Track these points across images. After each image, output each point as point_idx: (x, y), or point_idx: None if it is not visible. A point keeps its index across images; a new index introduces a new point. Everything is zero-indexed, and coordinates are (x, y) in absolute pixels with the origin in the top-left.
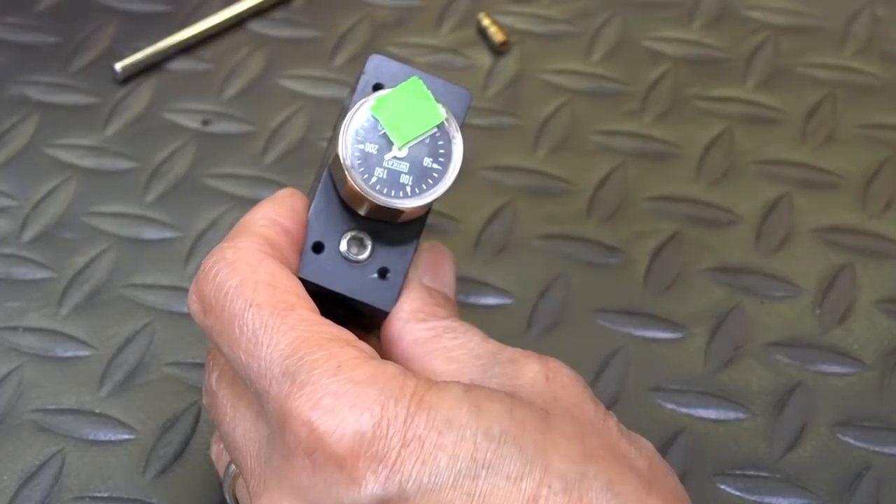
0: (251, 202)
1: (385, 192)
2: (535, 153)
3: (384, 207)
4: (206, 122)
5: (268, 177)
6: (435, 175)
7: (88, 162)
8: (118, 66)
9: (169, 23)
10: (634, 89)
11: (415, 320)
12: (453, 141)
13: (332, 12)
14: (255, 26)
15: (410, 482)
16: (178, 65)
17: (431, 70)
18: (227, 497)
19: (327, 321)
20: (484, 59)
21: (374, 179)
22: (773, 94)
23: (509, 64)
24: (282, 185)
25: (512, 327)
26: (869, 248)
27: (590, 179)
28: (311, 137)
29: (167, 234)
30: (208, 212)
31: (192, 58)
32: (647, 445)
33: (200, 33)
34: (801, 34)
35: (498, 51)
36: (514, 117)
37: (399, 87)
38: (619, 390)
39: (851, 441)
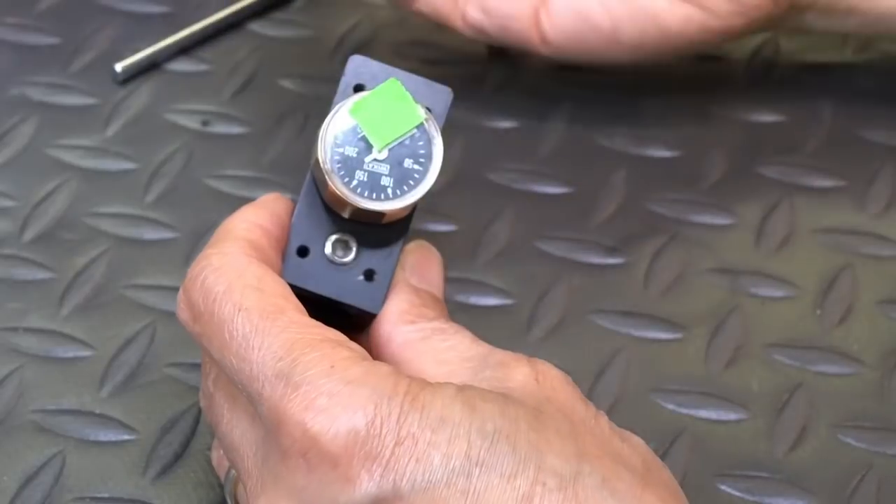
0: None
1: (366, 195)
2: (535, 154)
3: (366, 210)
4: (205, 123)
5: (268, 177)
6: (416, 176)
7: (89, 162)
8: (118, 66)
9: (169, 23)
10: (633, 87)
11: (403, 322)
12: (433, 141)
13: (332, 12)
14: (255, 26)
15: (404, 480)
16: (178, 65)
17: (431, 70)
18: (229, 501)
19: (317, 323)
20: (483, 59)
21: (354, 183)
22: (775, 100)
23: (508, 65)
24: (282, 186)
25: (512, 328)
26: (869, 249)
27: (591, 181)
28: (311, 138)
29: (167, 234)
30: (208, 212)
31: (192, 58)
32: (640, 442)
33: (200, 34)
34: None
35: (497, 52)
36: (514, 119)
37: (377, 88)
38: (620, 391)
39: (852, 442)
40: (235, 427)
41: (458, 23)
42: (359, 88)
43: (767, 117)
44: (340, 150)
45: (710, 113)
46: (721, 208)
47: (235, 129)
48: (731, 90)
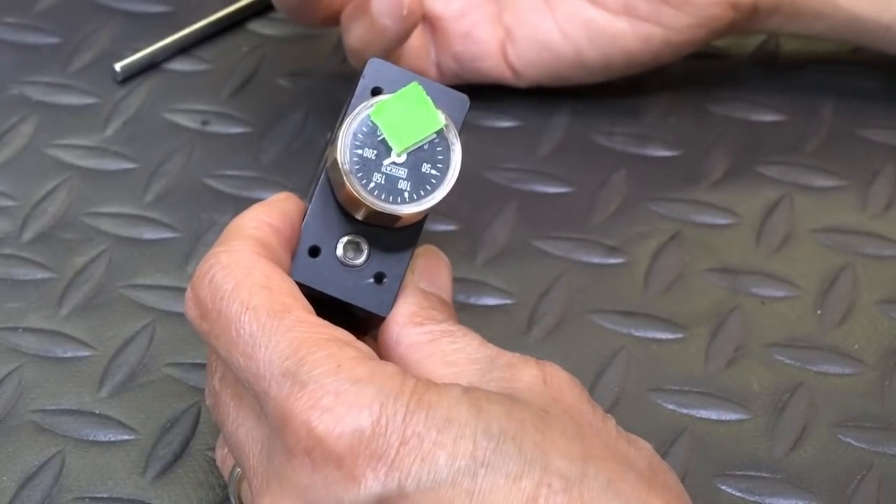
0: (251, 202)
1: (383, 197)
2: (535, 154)
3: (382, 213)
4: (205, 123)
5: (267, 177)
6: (433, 181)
7: (88, 162)
8: (118, 66)
9: (169, 23)
10: (633, 87)
11: (412, 324)
12: (452, 148)
13: None
14: (255, 26)
15: (409, 480)
16: (178, 65)
17: None
18: (233, 500)
19: (324, 322)
20: None
21: (372, 185)
22: (775, 99)
23: None
24: (281, 186)
25: (512, 328)
26: (869, 249)
27: (591, 180)
28: (311, 138)
29: (167, 234)
30: (208, 212)
31: (191, 58)
32: (646, 445)
33: (200, 33)
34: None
35: None
36: (514, 118)
37: (399, 92)
38: (620, 391)
39: (852, 441)
40: (241, 425)
41: (433, 75)
42: (376, 91)
43: (767, 117)
44: (359, 151)
45: (711, 112)
46: (721, 208)
47: (235, 129)
48: (732, 89)
